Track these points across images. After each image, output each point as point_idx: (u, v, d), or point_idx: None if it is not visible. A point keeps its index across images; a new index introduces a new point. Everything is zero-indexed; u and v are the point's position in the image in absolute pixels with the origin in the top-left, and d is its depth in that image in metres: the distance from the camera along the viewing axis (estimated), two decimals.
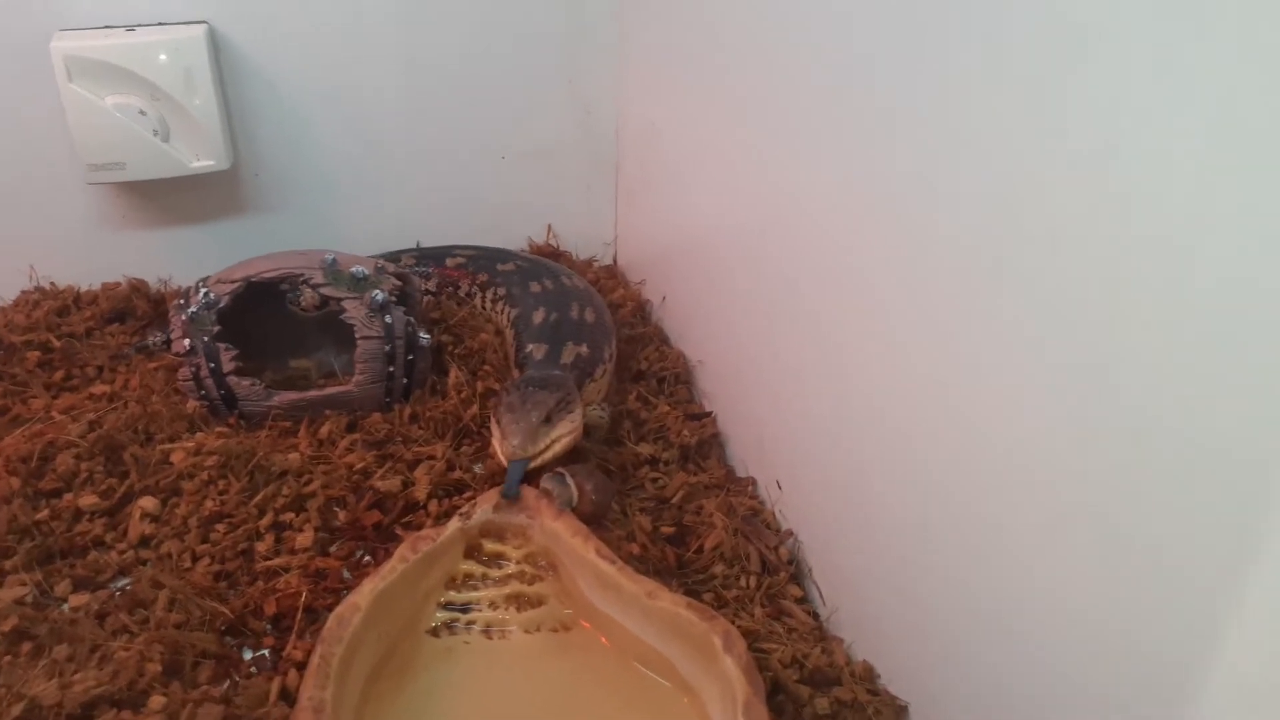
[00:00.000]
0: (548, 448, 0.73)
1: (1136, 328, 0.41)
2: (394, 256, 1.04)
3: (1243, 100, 0.35)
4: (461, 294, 1.04)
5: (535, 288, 0.98)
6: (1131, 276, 0.41)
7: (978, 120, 0.49)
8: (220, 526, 0.75)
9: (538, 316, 0.93)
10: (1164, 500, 0.41)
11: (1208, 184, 0.37)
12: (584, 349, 0.87)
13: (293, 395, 0.86)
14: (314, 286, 0.86)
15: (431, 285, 1.04)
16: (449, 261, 1.05)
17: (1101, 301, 0.43)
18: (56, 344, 0.94)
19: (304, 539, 0.74)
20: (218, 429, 0.83)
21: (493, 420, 0.75)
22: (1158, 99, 0.39)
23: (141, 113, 0.94)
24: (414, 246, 1.10)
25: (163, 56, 0.93)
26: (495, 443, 0.74)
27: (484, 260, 1.05)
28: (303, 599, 0.69)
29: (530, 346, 0.89)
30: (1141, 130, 0.40)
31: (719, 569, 0.73)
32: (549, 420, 0.73)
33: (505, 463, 0.71)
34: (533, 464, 0.72)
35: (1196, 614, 0.40)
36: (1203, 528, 0.39)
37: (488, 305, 1.02)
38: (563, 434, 0.74)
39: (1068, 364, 0.45)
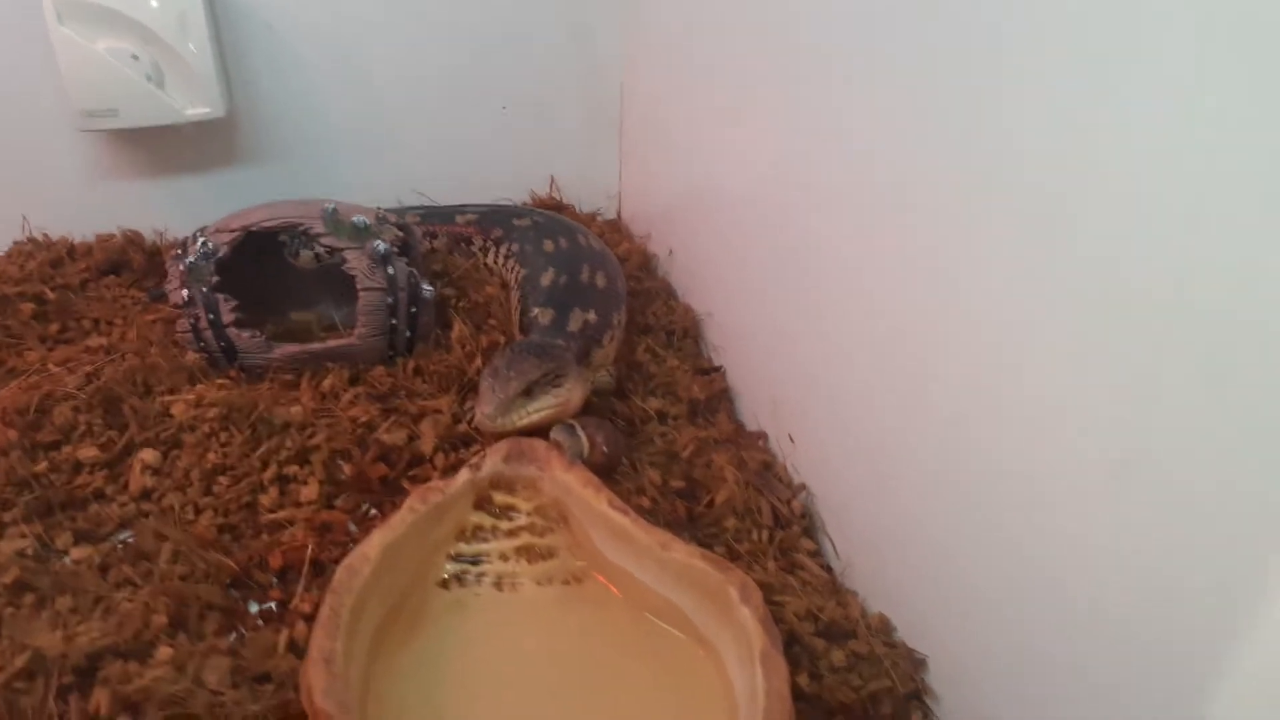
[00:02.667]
0: (522, 420, 0.72)
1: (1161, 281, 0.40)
2: (400, 214, 1.02)
3: None
4: (475, 249, 1.01)
5: (548, 246, 0.95)
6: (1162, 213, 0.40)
7: (996, 69, 0.48)
8: (223, 479, 0.73)
9: (546, 278, 0.91)
10: (1207, 447, 0.39)
11: None
12: (592, 315, 0.85)
13: (294, 348, 0.84)
14: (314, 236, 0.84)
15: (440, 244, 1.02)
16: (459, 219, 1.03)
17: (1127, 248, 0.41)
18: (51, 296, 0.93)
19: (309, 492, 0.73)
20: (218, 381, 0.82)
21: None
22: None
23: (134, 57, 0.91)
24: (420, 205, 1.08)
25: None
26: None
27: (498, 215, 1.02)
28: (309, 552, 0.68)
29: (536, 310, 0.86)
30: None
31: (730, 522, 0.72)
32: (529, 393, 0.72)
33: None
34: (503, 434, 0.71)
35: (1233, 569, 0.39)
36: (1244, 478, 0.38)
37: (499, 261, 1.00)
38: (543, 408, 0.73)
39: (1095, 309, 0.44)
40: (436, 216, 1.04)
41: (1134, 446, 0.43)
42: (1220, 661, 0.40)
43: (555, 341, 0.79)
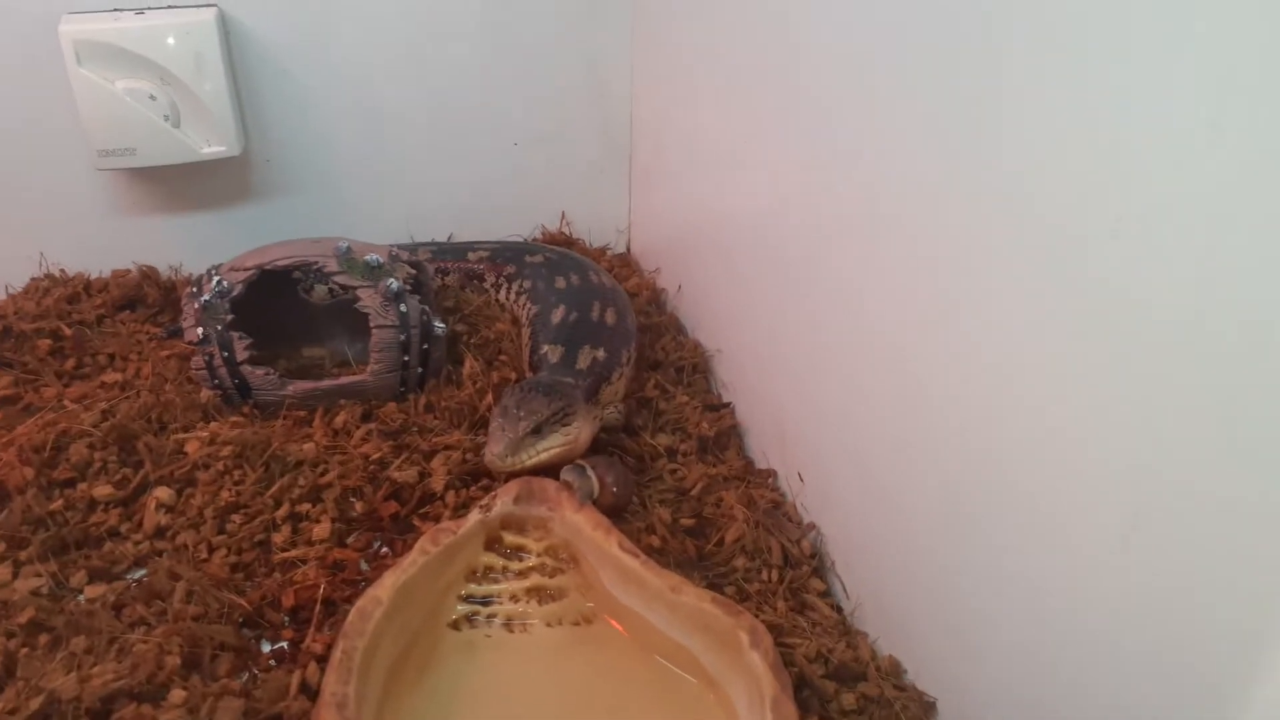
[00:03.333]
0: (531, 459, 0.72)
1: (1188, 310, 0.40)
2: (413, 250, 1.03)
3: None
4: (487, 286, 1.02)
5: (560, 283, 0.96)
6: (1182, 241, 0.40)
7: (998, 101, 0.48)
8: (236, 517, 0.74)
9: (556, 315, 0.91)
10: (1228, 483, 0.39)
11: None
12: (601, 353, 0.85)
13: (307, 384, 0.85)
14: (328, 274, 0.85)
15: (452, 281, 1.03)
16: (471, 255, 1.04)
17: (1146, 279, 0.42)
18: (67, 332, 0.94)
19: (321, 530, 0.73)
20: (232, 418, 0.83)
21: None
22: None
23: (152, 97, 0.93)
24: (433, 242, 1.09)
25: (172, 40, 0.92)
26: None
27: (510, 252, 1.03)
28: (321, 591, 0.68)
29: (545, 348, 0.87)
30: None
31: (740, 562, 0.72)
32: (539, 431, 0.73)
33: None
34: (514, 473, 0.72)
35: (1253, 608, 0.38)
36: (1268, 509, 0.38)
37: (511, 297, 1.01)
38: (552, 446, 0.73)
39: (1109, 343, 0.44)
40: (449, 253, 1.05)
41: (1151, 482, 0.43)
42: (1243, 703, 0.39)
43: (564, 379, 0.80)
